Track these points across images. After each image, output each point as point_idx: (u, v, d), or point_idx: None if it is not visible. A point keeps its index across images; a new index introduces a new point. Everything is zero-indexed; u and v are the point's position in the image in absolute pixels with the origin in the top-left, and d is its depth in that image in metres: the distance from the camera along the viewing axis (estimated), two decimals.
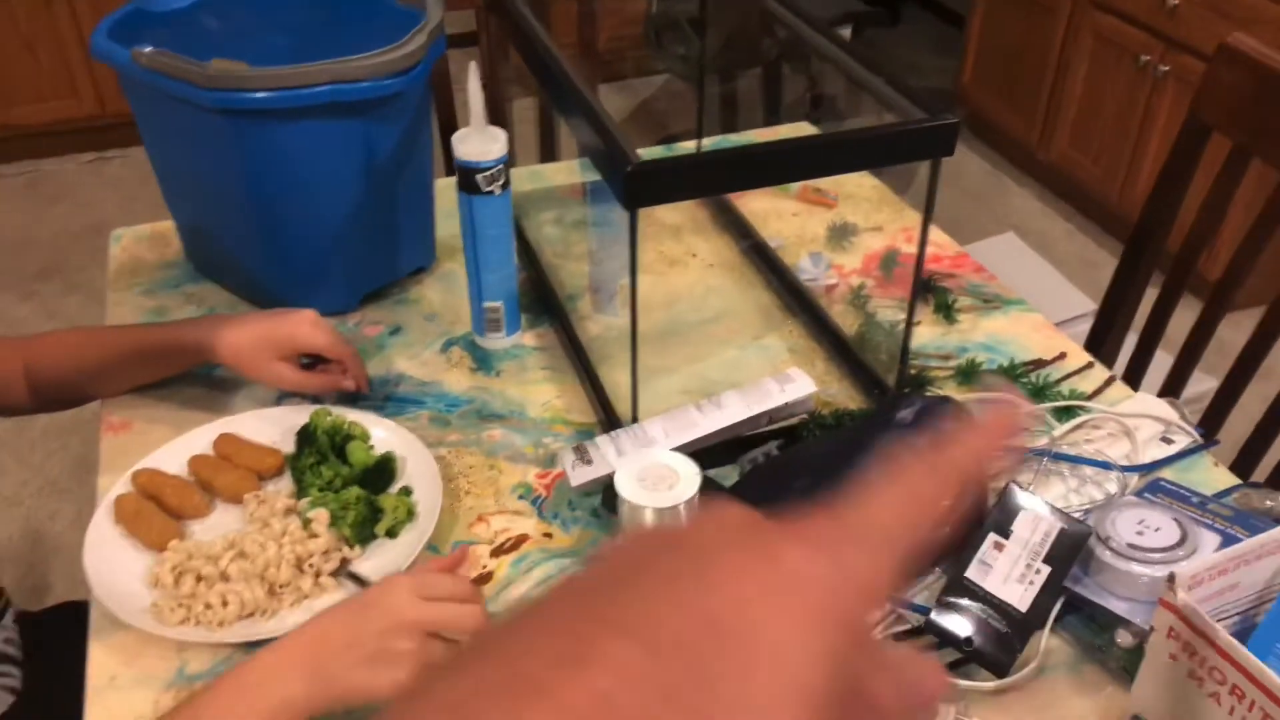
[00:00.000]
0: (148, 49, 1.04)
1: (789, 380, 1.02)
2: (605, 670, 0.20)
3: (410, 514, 0.95)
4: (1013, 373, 1.12)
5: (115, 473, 0.99)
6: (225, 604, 0.85)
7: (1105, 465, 0.98)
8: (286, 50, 1.28)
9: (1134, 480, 0.98)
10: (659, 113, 3.64)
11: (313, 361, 1.08)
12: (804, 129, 1.62)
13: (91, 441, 1.08)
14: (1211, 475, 1.01)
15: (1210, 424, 1.31)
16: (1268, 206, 1.21)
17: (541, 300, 1.24)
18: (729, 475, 0.99)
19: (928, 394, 1.09)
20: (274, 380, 1.04)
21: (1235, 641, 0.64)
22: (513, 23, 1.08)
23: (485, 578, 0.92)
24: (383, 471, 0.98)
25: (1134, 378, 1.39)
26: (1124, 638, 0.82)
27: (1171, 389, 1.36)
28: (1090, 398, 1.10)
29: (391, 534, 0.93)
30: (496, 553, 0.94)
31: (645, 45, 3.23)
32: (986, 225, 3.00)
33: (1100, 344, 1.45)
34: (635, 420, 0.99)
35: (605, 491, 0.96)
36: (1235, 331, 1.39)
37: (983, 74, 3.33)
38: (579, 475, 0.94)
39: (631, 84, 3.76)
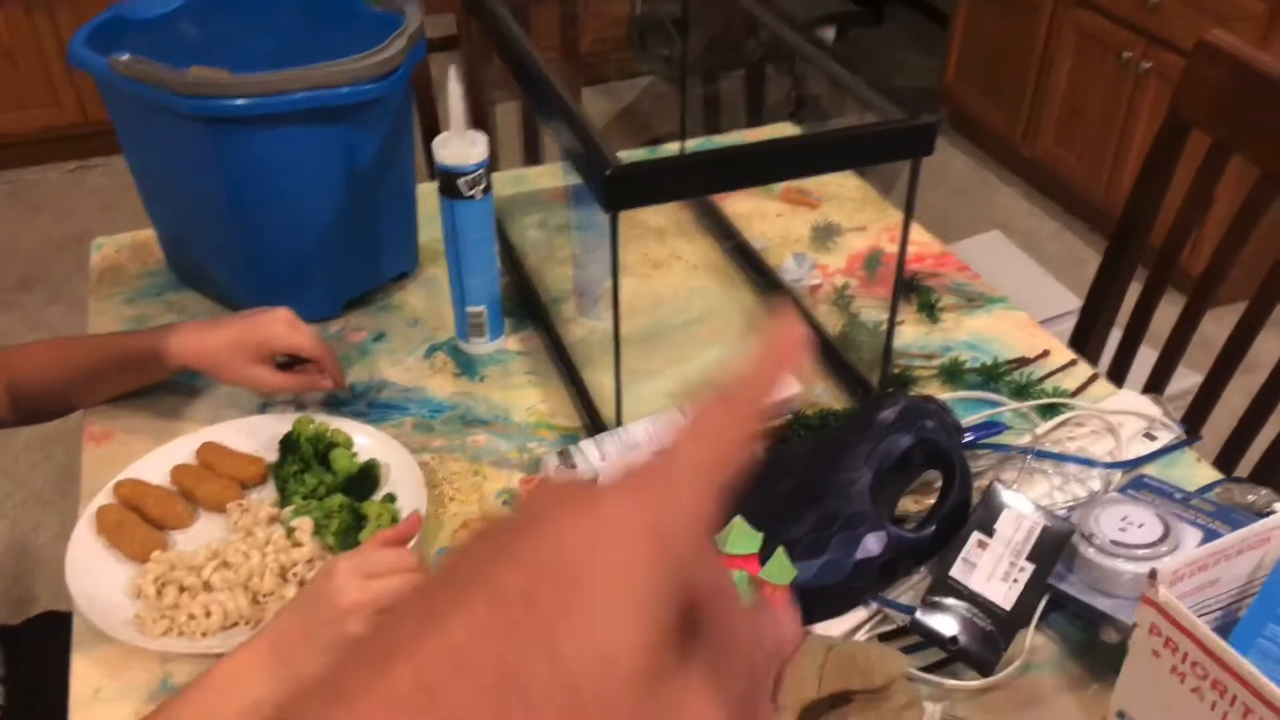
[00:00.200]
0: (125, 56, 1.04)
1: None
2: (457, 627, 0.23)
3: (394, 521, 0.94)
4: (996, 371, 1.12)
5: (97, 484, 0.99)
6: (209, 614, 0.85)
7: (1088, 462, 0.98)
8: (266, 56, 1.27)
9: (1117, 477, 0.98)
10: (643, 115, 3.64)
11: (289, 361, 1.07)
12: (787, 130, 1.62)
13: (75, 452, 1.07)
14: (1194, 471, 1.01)
15: (1194, 419, 1.31)
16: (1248, 201, 1.22)
17: (525, 304, 1.23)
18: None
19: (911, 394, 1.09)
20: (252, 383, 1.03)
21: (1216, 637, 0.64)
22: (493, 26, 1.08)
23: None
24: (366, 479, 0.98)
25: (1119, 374, 1.40)
26: (1108, 634, 0.82)
27: (1155, 385, 1.36)
28: (1073, 395, 1.10)
29: None
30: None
31: (629, 47, 3.24)
32: (973, 223, 3.01)
33: (1085, 340, 1.46)
34: (619, 423, 0.99)
35: None
36: (1219, 326, 1.39)
37: (967, 72, 3.34)
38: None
39: (615, 86, 3.76)
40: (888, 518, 0.88)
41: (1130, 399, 1.07)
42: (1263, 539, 0.73)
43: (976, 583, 0.84)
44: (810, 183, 1.49)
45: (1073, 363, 1.15)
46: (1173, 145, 1.30)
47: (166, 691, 0.82)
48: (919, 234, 1.37)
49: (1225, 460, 1.27)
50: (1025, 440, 1.02)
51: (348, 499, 0.94)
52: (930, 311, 1.23)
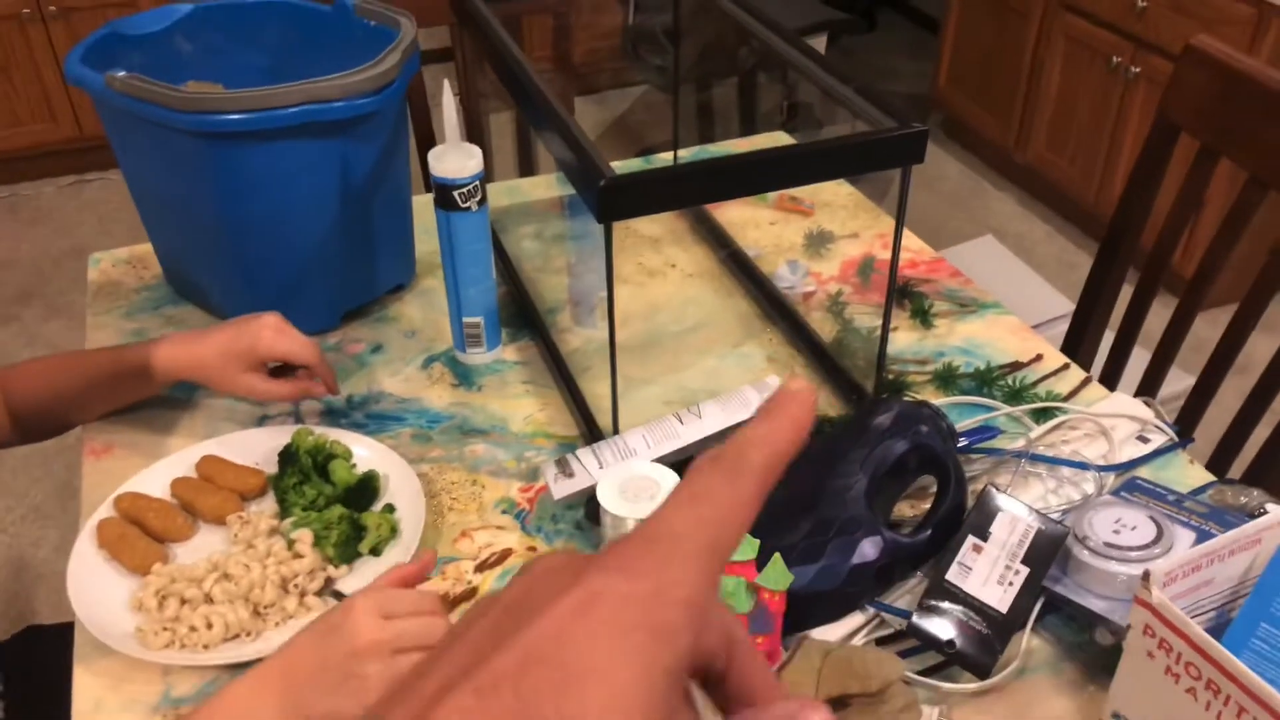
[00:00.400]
0: (121, 73, 1.05)
1: (768, 388, 1.02)
2: (446, 716, 0.22)
3: (394, 531, 0.95)
4: (989, 376, 1.13)
5: (98, 497, 0.99)
6: (210, 626, 0.85)
7: (1082, 465, 0.99)
8: (261, 71, 1.28)
9: (1111, 480, 0.99)
10: (637, 124, 3.65)
11: (281, 368, 1.07)
12: (780, 138, 1.63)
13: (74, 467, 1.08)
14: (1187, 473, 1.02)
15: (1186, 422, 1.32)
16: (1238, 204, 1.23)
17: (521, 314, 1.24)
18: None
19: (905, 399, 1.10)
20: (245, 391, 1.03)
21: (1209, 637, 0.65)
22: (486, 38, 1.08)
23: (470, 593, 0.92)
24: (365, 490, 0.98)
25: (1111, 377, 1.41)
26: (1103, 636, 0.83)
27: (1148, 387, 1.37)
28: (1066, 399, 1.11)
29: (375, 552, 0.93)
30: (481, 568, 0.94)
31: (623, 57, 3.25)
32: (966, 228, 3.03)
33: (1077, 344, 1.46)
34: (616, 432, 0.99)
35: (588, 504, 0.97)
36: (1211, 328, 1.40)
37: (958, 78, 3.36)
38: (561, 488, 0.94)
39: (609, 96, 3.78)
40: (883, 523, 0.88)
41: (1123, 402, 1.08)
42: (1255, 540, 0.74)
43: (972, 586, 0.84)
44: (803, 191, 1.50)
45: (1065, 366, 1.16)
46: (1162, 149, 1.31)
47: (168, 704, 0.83)
48: (911, 240, 1.38)
49: (1218, 462, 1.28)
50: (1019, 444, 1.03)
51: (347, 510, 0.94)
52: (923, 317, 1.23)
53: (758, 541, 0.84)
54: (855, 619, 0.86)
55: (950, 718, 0.80)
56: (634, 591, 0.25)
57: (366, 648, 0.72)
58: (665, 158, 1.56)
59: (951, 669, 0.83)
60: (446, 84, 1.05)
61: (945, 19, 3.35)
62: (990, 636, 0.82)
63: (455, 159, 1.06)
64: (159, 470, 1.01)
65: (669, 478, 0.87)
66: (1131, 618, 0.71)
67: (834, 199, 1.49)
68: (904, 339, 1.21)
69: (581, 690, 0.23)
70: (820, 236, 1.39)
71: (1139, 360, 1.39)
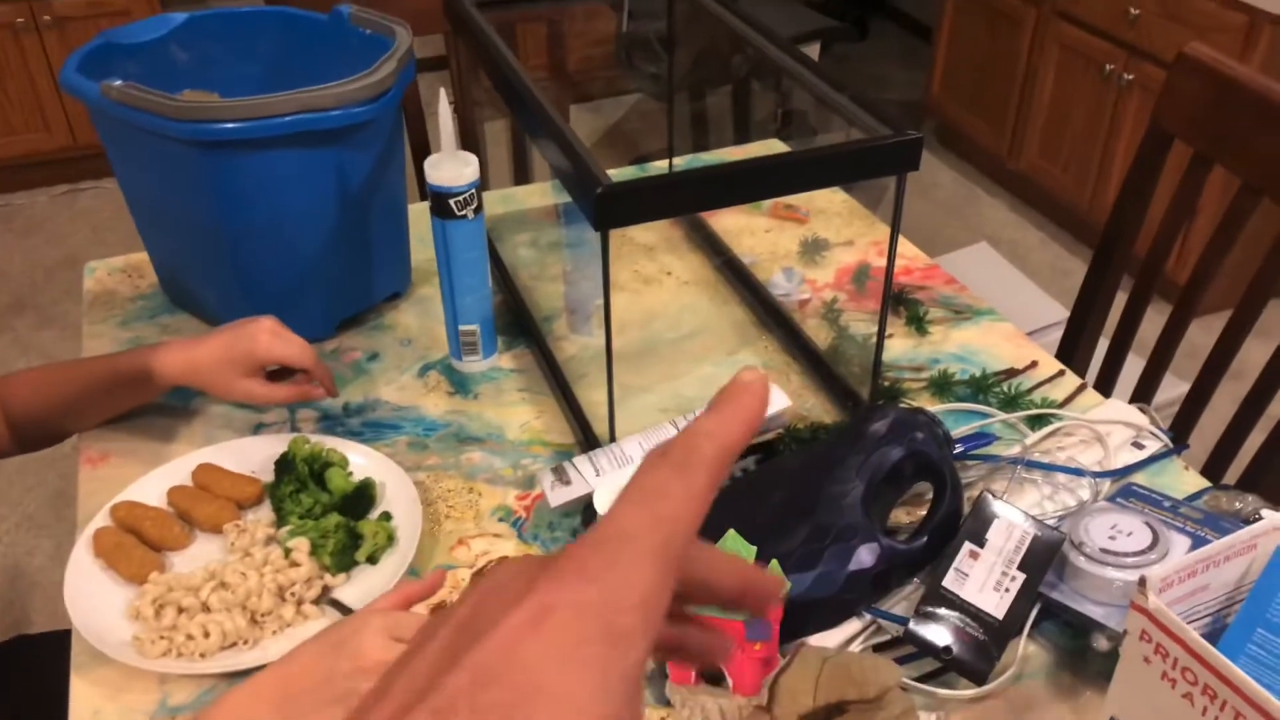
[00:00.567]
0: (117, 82, 1.05)
1: None
2: None
3: (390, 539, 0.95)
4: (985, 382, 1.14)
5: (94, 506, 0.99)
6: (207, 635, 0.85)
7: (1078, 472, 0.99)
8: (257, 80, 1.29)
9: (1106, 486, 0.99)
10: (631, 132, 3.66)
11: (279, 371, 1.07)
12: (774, 146, 1.63)
13: (69, 475, 1.08)
14: (1182, 479, 1.02)
15: (1181, 428, 1.32)
16: (1231, 211, 1.23)
17: (517, 322, 1.24)
18: None
19: (901, 406, 1.10)
20: (243, 396, 1.03)
21: (1205, 643, 0.65)
22: (481, 46, 1.09)
23: None
24: (362, 498, 0.98)
25: (1106, 383, 1.41)
26: (1099, 642, 0.83)
27: (1143, 394, 1.37)
28: (1062, 405, 1.11)
29: (372, 560, 0.93)
30: (477, 575, 0.94)
31: (617, 65, 3.25)
32: (960, 236, 3.03)
33: (1072, 350, 1.47)
34: (613, 439, 0.99)
35: (585, 511, 0.97)
36: (1205, 335, 1.41)
37: (952, 86, 3.37)
38: (558, 496, 0.94)
39: (603, 104, 3.78)
40: (880, 530, 0.88)
41: (1118, 408, 1.08)
42: (1250, 545, 0.74)
43: (969, 593, 0.84)
44: (798, 198, 1.50)
45: (1060, 373, 1.16)
46: (1155, 157, 1.31)
47: (165, 712, 0.83)
48: (906, 247, 1.38)
49: (1213, 468, 1.28)
50: (1015, 451, 1.03)
51: (344, 518, 0.94)
52: (919, 324, 1.24)
53: (754, 548, 0.84)
54: (852, 625, 0.86)
55: None
56: (587, 600, 0.24)
57: (374, 667, 0.71)
58: (660, 166, 1.56)
59: (948, 675, 0.83)
60: (442, 92, 1.05)
61: (938, 27, 3.36)
62: (987, 643, 0.82)
63: (451, 167, 1.06)
64: (155, 479, 1.01)
65: None
66: (1128, 623, 0.71)
67: (829, 206, 1.49)
68: (899, 346, 1.21)
69: (534, 708, 0.23)
70: (815, 244, 1.39)
71: (1134, 366, 1.40)
